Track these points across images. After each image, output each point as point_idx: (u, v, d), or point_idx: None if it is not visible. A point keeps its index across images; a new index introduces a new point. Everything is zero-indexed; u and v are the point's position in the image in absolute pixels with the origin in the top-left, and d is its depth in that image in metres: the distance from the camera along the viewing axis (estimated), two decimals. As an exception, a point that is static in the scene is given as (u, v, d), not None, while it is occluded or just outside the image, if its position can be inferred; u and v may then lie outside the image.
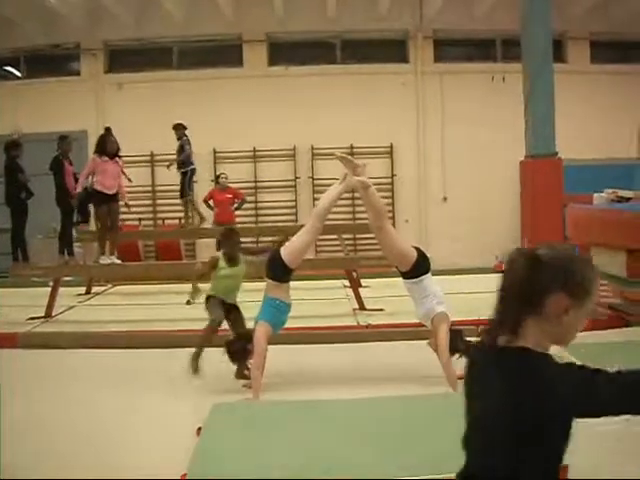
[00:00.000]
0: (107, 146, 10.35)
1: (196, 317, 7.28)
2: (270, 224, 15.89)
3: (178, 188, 12.84)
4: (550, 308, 1.96)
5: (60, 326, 9.43)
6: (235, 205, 13.95)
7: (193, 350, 6.53)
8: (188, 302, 7.70)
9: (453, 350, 6.24)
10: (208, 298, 6.74)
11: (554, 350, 2.03)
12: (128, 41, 16.48)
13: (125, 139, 10.87)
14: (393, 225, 10.62)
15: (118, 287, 12.75)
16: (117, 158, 10.60)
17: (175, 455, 4.54)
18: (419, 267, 6.38)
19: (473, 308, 9.36)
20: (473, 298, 10.49)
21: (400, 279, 6.61)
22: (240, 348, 6.25)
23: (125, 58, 16.75)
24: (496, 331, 2.05)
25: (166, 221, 15.81)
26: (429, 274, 6.44)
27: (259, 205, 16.48)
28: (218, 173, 14.85)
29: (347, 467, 4.19)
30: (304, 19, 16.07)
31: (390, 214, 14.98)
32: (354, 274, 10.88)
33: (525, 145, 8.90)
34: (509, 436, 1.91)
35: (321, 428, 4.87)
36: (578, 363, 1.96)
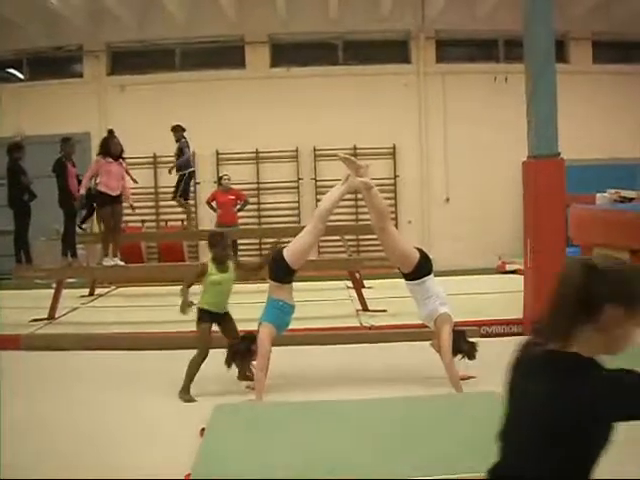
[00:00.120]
0: (111, 147, 10.36)
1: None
2: (273, 225, 15.90)
3: (179, 189, 12.74)
4: (605, 318, 1.97)
5: (63, 328, 9.44)
6: (238, 206, 13.94)
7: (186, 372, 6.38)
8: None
9: (456, 351, 6.24)
10: (199, 314, 6.46)
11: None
12: (131, 43, 16.49)
13: (128, 141, 10.87)
14: (396, 226, 10.64)
15: (121, 289, 12.76)
16: (121, 160, 10.61)
17: (178, 455, 4.55)
18: (421, 268, 6.38)
19: (476, 309, 9.42)
20: (476, 299, 10.53)
21: (402, 280, 6.61)
22: (244, 349, 6.24)
23: (128, 60, 16.76)
24: (547, 335, 2.05)
25: (169, 223, 15.83)
26: (431, 275, 6.44)
27: (262, 206, 16.48)
28: (221, 174, 14.85)
29: (350, 467, 4.19)
30: (306, 20, 16.08)
31: (393, 215, 14.99)
32: (357, 275, 10.88)
33: (527, 145, 8.88)
34: (546, 436, 1.92)
35: (324, 429, 4.87)
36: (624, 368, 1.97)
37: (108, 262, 10.41)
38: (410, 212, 16.43)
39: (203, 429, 4.94)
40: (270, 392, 6.06)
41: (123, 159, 10.72)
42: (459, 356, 6.30)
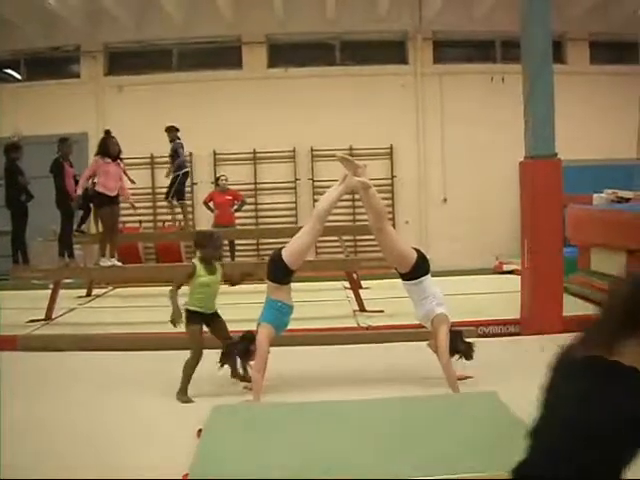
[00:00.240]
0: (110, 148, 10.36)
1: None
2: (270, 226, 15.90)
3: (172, 190, 12.68)
4: None
5: (60, 328, 9.43)
6: (235, 207, 13.94)
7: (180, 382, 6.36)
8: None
9: (453, 351, 6.25)
10: (188, 316, 6.40)
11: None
12: (128, 43, 16.49)
13: (125, 141, 10.86)
14: (393, 226, 10.64)
15: (118, 289, 12.76)
16: (119, 160, 10.61)
17: (176, 456, 4.55)
18: (419, 268, 6.38)
19: (473, 309, 9.43)
20: (473, 299, 10.54)
21: (400, 280, 6.61)
22: (243, 349, 6.23)
23: (125, 60, 16.76)
24: (591, 342, 2.07)
25: (166, 223, 15.82)
26: (429, 275, 6.44)
27: (259, 207, 16.48)
28: (218, 175, 14.86)
29: (348, 467, 4.19)
30: (303, 20, 16.08)
31: (390, 215, 14.99)
32: (354, 276, 10.89)
33: (525, 146, 8.89)
34: (580, 438, 1.92)
35: (321, 429, 4.87)
36: None
37: (105, 262, 10.40)
38: (407, 212, 16.44)
39: (200, 430, 4.94)
40: (267, 393, 6.06)
41: (121, 160, 10.72)
42: (456, 356, 6.30)
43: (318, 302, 10.43)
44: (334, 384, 6.56)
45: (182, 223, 13.01)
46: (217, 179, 14.52)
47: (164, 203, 13.74)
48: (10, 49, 16.06)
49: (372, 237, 7.12)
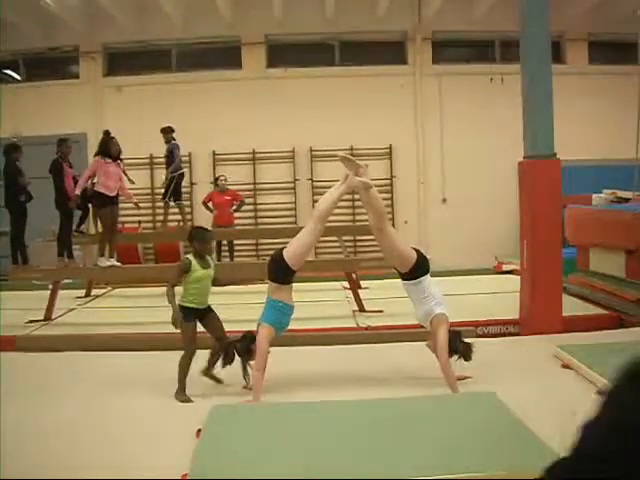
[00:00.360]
0: (111, 148, 10.37)
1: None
2: (269, 226, 15.92)
3: (169, 191, 12.63)
4: None
5: (60, 329, 9.43)
6: (234, 207, 13.94)
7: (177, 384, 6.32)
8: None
9: (452, 351, 6.25)
10: (183, 313, 6.32)
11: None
12: (127, 44, 16.51)
13: (124, 142, 10.86)
14: (392, 226, 10.64)
15: (118, 290, 12.76)
16: (119, 160, 10.61)
17: (175, 456, 4.55)
18: (418, 268, 6.37)
19: (472, 309, 9.43)
20: (472, 299, 10.54)
21: (399, 281, 6.61)
22: (244, 348, 6.22)
23: (124, 61, 16.78)
24: None
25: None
26: (428, 275, 6.44)
27: (258, 207, 16.50)
28: (217, 175, 14.86)
29: (347, 468, 4.20)
30: (303, 21, 16.10)
31: (389, 215, 15.00)
32: (354, 276, 10.89)
33: (523, 146, 8.90)
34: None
35: (320, 429, 4.87)
36: None
37: (103, 263, 10.40)
38: (407, 212, 16.46)
39: (199, 430, 4.94)
40: (266, 393, 6.06)
41: (121, 160, 10.72)
42: (455, 357, 6.30)
43: (317, 302, 10.43)
44: (333, 384, 6.56)
45: (181, 223, 13.00)
46: (216, 179, 14.52)
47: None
48: (9, 49, 16.06)
49: (372, 237, 7.11)
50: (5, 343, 8.30)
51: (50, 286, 10.43)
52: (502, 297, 10.53)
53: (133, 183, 11.85)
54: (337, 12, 15.76)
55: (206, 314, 6.48)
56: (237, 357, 6.26)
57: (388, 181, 16.40)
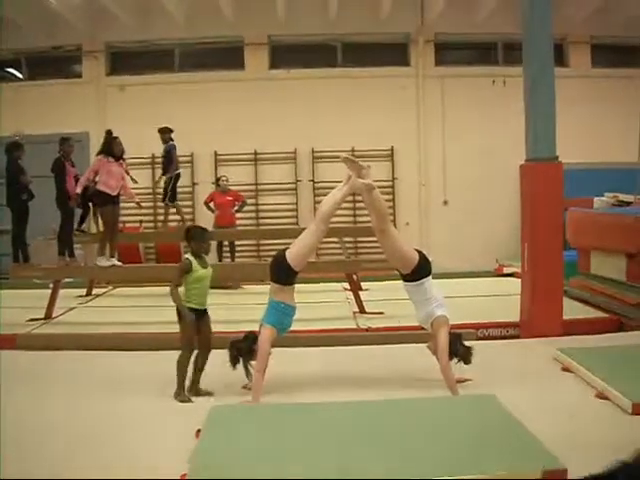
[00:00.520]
0: (114, 148, 10.39)
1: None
2: (271, 227, 15.91)
3: (165, 192, 12.60)
4: None
5: (60, 328, 9.43)
6: (236, 208, 13.94)
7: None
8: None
9: (452, 354, 6.24)
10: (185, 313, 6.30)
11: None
12: (130, 43, 16.52)
13: (126, 141, 10.87)
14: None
15: (119, 289, 12.76)
16: (121, 160, 10.63)
17: (174, 457, 4.55)
18: (420, 270, 6.37)
19: (473, 311, 9.43)
20: (473, 302, 10.54)
21: (400, 282, 6.61)
22: (246, 348, 6.21)
23: (127, 60, 16.79)
24: None
25: (167, 223, 15.83)
26: (430, 277, 6.43)
27: (260, 208, 16.49)
28: (219, 176, 14.87)
29: (346, 469, 4.20)
30: (306, 22, 16.10)
31: (391, 217, 14.97)
32: (354, 277, 10.88)
33: (525, 149, 8.89)
34: None
35: (320, 431, 4.88)
36: None
37: (103, 262, 10.40)
38: (408, 214, 16.45)
39: (199, 430, 4.94)
40: (266, 393, 6.06)
41: (123, 160, 10.74)
42: (455, 359, 6.29)
43: (318, 303, 10.43)
44: (333, 386, 6.56)
45: (180, 223, 12.97)
46: (218, 179, 14.52)
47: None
48: (12, 48, 16.06)
49: (372, 239, 7.12)
50: (6, 341, 8.31)
51: (51, 285, 10.43)
52: (503, 300, 10.53)
53: (136, 182, 11.86)
54: (340, 14, 15.76)
55: (202, 317, 6.45)
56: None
57: (390, 183, 16.39)
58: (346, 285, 11.17)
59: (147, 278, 12.10)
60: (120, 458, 4.72)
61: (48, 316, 9.90)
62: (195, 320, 6.32)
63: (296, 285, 6.36)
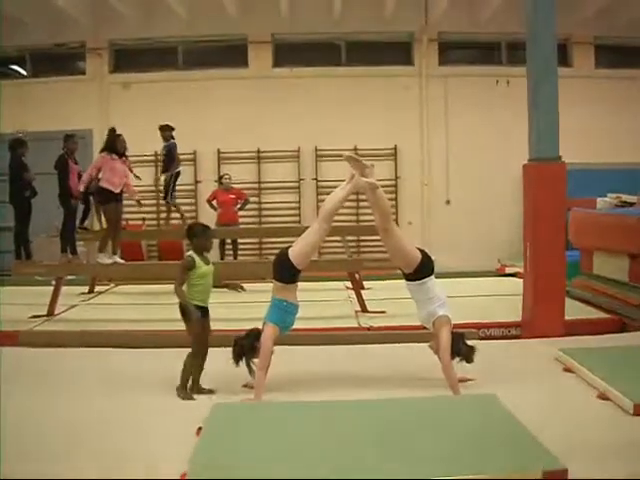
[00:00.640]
0: (117, 145, 10.40)
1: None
2: (274, 225, 15.92)
3: (166, 189, 12.57)
4: None
5: (62, 325, 9.44)
6: (238, 206, 13.97)
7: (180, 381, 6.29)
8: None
9: (454, 353, 6.24)
10: (184, 309, 6.28)
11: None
12: (133, 41, 16.52)
13: (130, 139, 10.88)
14: (396, 227, 10.62)
15: (121, 286, 12.77)
16: (124, 157, 10.64)
17: (174, 455, 4.55)
18: (423, 269, 6.37)
19: (475, 311, 9.43)
20: (475, 301, 10.53)
21: (402, 281, 6.60)
22: (248, 345, 6.20)
23: (130, 58, 16.80)
24: None
25: (169, 221, 15.84)
26: (432, 276, 6.43)
27: (263, 206, 16.51)
28: (222, 174, 14.88)
29: (347, 468, 4.20)
30: (309, 20, 16.11)
31: (393, 216, 14.99)
32: (357, 276, 10.88)
33: (528, 149, 8.89)
34: None
35: (321, 429, 4.87)
36: None
37: (104, 260, 10.41)
38: (411, 213, 16.46)
39: (200, 428, 4.94)
40: (268, 392, 6.06)
41: (126, 157, 10.75)
42: (457, 359, 6.29)
43: (319, 302, 10.43)
44: (334, 384, 6.56)
45: (181, 221, 12.93)
46: (220, 177, 14.54)
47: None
48: (16, 45, 16.09)
49: (375, 238, 7.11)
50: (8, 338, 8.31)
51: (53, 282, 10.44)
52: (504, 299, 10.53)
53: (140, 179, 11.86)
54: (344, 12, 15.77)
55: (205, 314, 6.45)
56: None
57: (392, 182, 16.40)
58: (348, 284, 11.17)
59: (149, 276, 12.10)
60: (120, 456, 4.72)
61: (50, 313, 9.91)
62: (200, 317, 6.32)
63: (299, 283, 6.36)
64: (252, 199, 15.12)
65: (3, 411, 5.38)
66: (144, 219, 15.74)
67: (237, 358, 6.18)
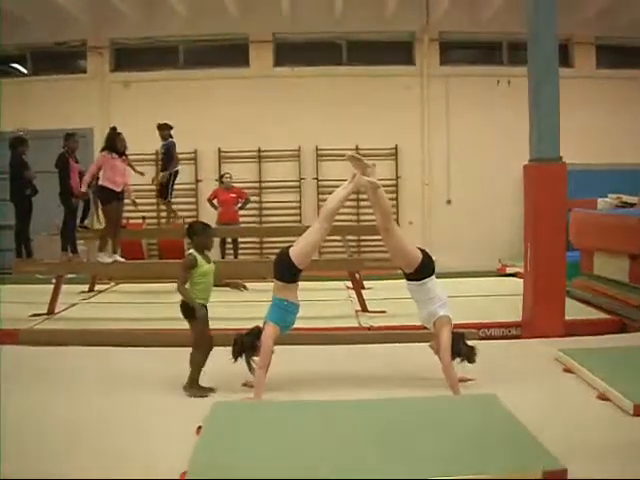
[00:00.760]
0: (117, 144, 10.40)
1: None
2: (274, 224, 15.93)
3: (166, 189, 12.53)
4: None
5: (62, 323, 9.44)
6: (239, 205, 13.97)
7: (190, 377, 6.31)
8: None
9: (455, 353, 6.24)
10: (187, 309, 6.28)
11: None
12: (135, 40, 16.52)
13: (130, 137, 10.88)
14: (396, 227, 10.61)
15: (121, 285, 12.77)
16: (124, 156, 10.64)
17: (174, 454, 4.55)
18: (424, 269, 6.36)
19: (475, 311, 9.43)
20: (475, 301, 10.53)
21: (402, 281, 6.60)
22: (249, 342, 6.20)
23: (131, 57, 16.80)
24: None
25: (170, 220, 15.83)
26: (433, 276, 6.43)
27: (263, 205, 16.51)
28: (222, 173, 14.88)
29: (346, 467, 4.20)
30: (311, 20, 16.11)
31: (394, 216, 14.98)
32: (357, 276, 10.88)
33: (529, 149, 8.88)
34: None
35: (321, 429, 4.88)
36: None
37: (103, 259, 10.41)
38: (411, 213, 16.47)
39: (200, 427, 4.94)
40: (267, 391, 6.06)
41: (126, 156, 10.75)
42: (458, 359, 6.29)
43: (320, 302, 10.43)
44: (334, 384, 6.56)
45: (171, 220, 12.85)
46: (221, 177, 14.53)
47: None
48: (16, 43, 16.09)
49: (375, 237, 7.11)
50: (8, 336, 8.32)
51: (53, 280, 10.44)
52: (505, 300, 10.52)
53: (143, 175, 11.84)
54: (345, 12, 15.77)
55: (203, 313, 6.44)
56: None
57: (393, 182, 16.40)
58: (349, 283, 11.17)
59: (149, 274, 12.10)
60: (120, 455, 4.72)
61: (50, 311, 9.91)
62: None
63: (299, 283, 6.36)
64: (253, 198, 15.14)
65: (3, 410, 5.38)
66: (144, 218, 15.74)
67: (236, 355, 6.18)
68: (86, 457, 4.70)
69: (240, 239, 14.23)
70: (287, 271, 6.25)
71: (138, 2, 15.80)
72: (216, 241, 11.49)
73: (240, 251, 14.33)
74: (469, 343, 6.42)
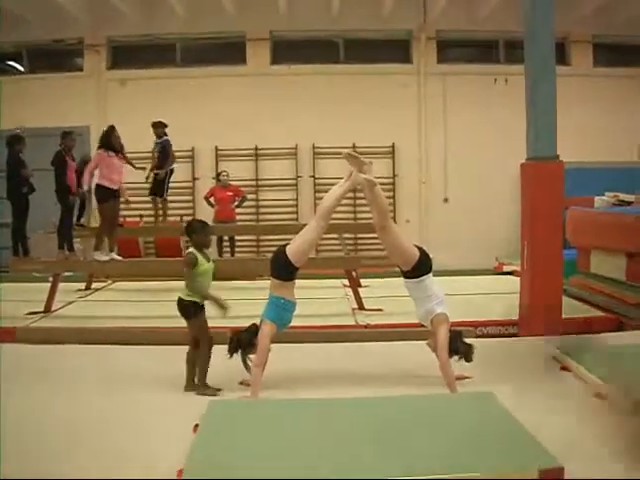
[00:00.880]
0: (113, 141, 10.38)
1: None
2: (271, 222, 15.92)
3: (162, 186, 12.46)
4: None
5: (59, 321, 9.43)
6: (236, 203, 13.97)
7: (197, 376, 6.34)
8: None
9: (453, 352, 6.24)
10: (193, 308, 6.33)
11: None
12: (131, 37, 16.50)
13: (127, 136, 10.88)
14: (393, 225, 10.61)
15: (118, 283, 12.76)
16: (120, 154, 10.62)
17: (171, 452, 4.55)
18: (421, 267, 6.36)
19: (472, 309, 9.43)
20: (472, 299, 10.53)
21: (399, 279, 6.60)
22: (246, 340, 6.21)
23: (128, 54, 16.77)
24: None
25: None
26: (430, 274, 6.43)
27: (260, 203, 16.50)
28: (219, 171, 14.87)
29: (344, 467, 4.20)
30: (308, 18, 16.10)
31: (391, 214, 14.99)
32: (354, 274, 10.88)
33: (526, 147, 8.88)
34: None
35: (318, 427, 4.88)
36: None
37: (100, 257, 10.40)
38: (408, 211, 16.47)
39: (197, 425, 4.94)
40: (264, 389, 6.06)
41: (122, 153, 10.73)
42: (455, 357, 6.29)
43: (317, 299, 10.43)
44: (331, 382, 6.56)
45: (160, 219, 12.82)
46: (218, 175, 14.53)
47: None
48: (13, 41, 16.07)
49: (372, 235, 7.10)
50: (5, 334, 8.31)
51: (50, 278, 10.43)
52: (502, 298, 10.52)
53: (144, 169, 11.81)
54: (342, 10, 15.77)
55: (202, 311, 6.45)
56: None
57: (390, 180, 16.40)
58: (345, 281, 11.17)
59: (146, 272, 12.09)
60: (119, 454, 4.72)
61: (47, 309, 9.90)
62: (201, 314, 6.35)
63: (296, 281, 6.36)
64: (249, 196, 15.13)
65: (3, 410, 5.38)
66: (141, 216, 15.71)
67: (232, 351, 6.19)
68: (86, 457, 4.70)
69: (237, 237, 14.21)
70: (284, 269, 6.25)
71: (135, 0, 15.78)
72: (213, 239, 11.49)
73: (237, 249, 14.33)
74: (466, 341, 6.42)
